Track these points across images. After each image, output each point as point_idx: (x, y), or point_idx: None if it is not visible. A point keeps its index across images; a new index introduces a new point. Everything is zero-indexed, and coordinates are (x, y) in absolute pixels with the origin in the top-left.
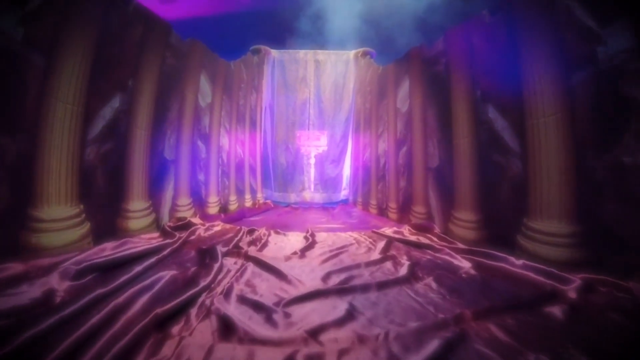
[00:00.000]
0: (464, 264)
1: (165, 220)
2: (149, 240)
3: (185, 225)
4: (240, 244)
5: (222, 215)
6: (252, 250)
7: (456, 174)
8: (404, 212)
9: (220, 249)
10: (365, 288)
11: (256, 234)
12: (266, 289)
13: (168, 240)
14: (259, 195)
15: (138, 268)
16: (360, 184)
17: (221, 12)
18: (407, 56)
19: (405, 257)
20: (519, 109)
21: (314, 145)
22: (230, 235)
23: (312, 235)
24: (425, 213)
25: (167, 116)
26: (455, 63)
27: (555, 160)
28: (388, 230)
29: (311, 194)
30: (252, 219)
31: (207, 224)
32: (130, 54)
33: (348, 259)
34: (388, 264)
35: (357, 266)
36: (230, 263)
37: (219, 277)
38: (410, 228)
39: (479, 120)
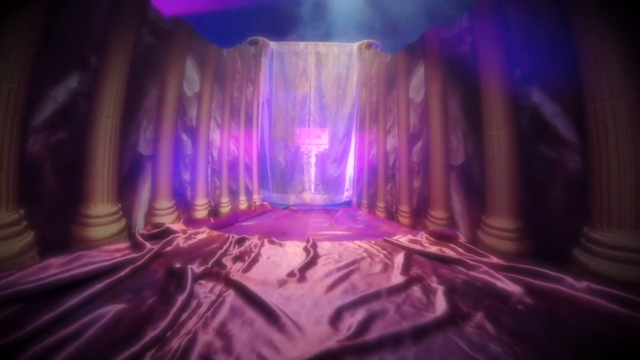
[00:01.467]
0: (512, 288)
1: (140, 226)
2: (113, 253)
3: (162, 233)
4: (224, 259)
5: (212, 220)
6: (237, 271)
7: (489, 172)
8: (418, 217)
9: (194, 270)
10: (396, 340)
11: (246, 244)
12: (246, 344)
13: (133, 255)
14: (256, 197)
15: (74, 300)
16: (365, 184)
17: (217, 6)
18: (422, 39)
19: (434, 279)
20: (576, 90)
21: (314, 143)
22: (215, 245)
23: (314, 245)
24: (446, 219)
25: (143, 104)
26: (486, 40)
27: (629, 152)
28: (403, 239)
29: (312, 195)
30: (245, 223)
31: (190, 231)
32: (95, 26)
33: (362, 282)
34: (416, 291)
35: (377, 295)
36: (205, 291)
37: (182, 317)
38: (427, 236)
39: (518, 106)
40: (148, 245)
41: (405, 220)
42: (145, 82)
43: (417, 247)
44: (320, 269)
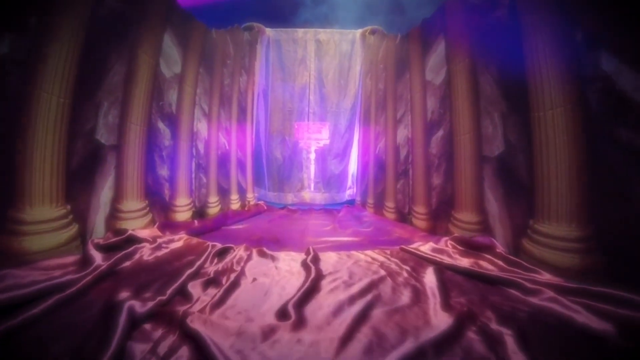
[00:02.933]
0: (600, 325)
1: (100, 233)
2: (51, 271)
3: (124, 243)
4: (191, 285)
5: (196, 223)
6: (203, 308)
7: (539, 164)
8: (438, 220)
9: (135, 310)
10: None
11: (228, 258)
12: None
13: (70, 277)
14: (250, 196)
15: None
16: (371, 182)
17: None
18: (441, 11)
19: (490, 314)
20: None
21: (314, 138)
22: (188, 259)
23: (315, 259)
24: (477, 223)
25: (104, 81)
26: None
27: None
28: (424, 248)
29: (311, 193)
30: (235, 227)
31: (162, 239)
32: None
33: (389, 324)
34: (475, 341)
35: (420, 355)
36: (144, 350)
37: None
38: (453, 243)
39: (582, 78)
40: (97, 260)
41: (421, 223)
42: (108, 55)
43: (445, 259)
44: (325, 301)
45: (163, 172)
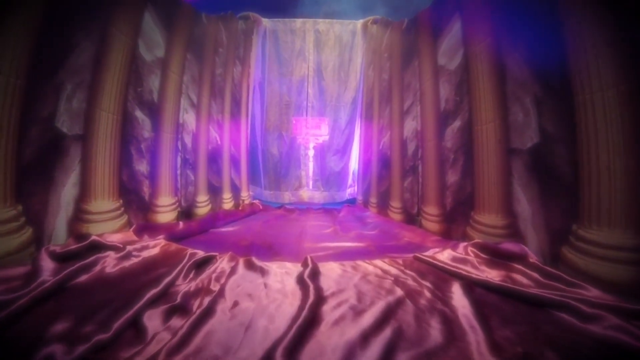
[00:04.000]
0: None
1: (60, 238)
2: None
3: (89, 249)
4: (148, 315)
5: (181, 224)
6: (156, 356)
7: (587, 157)
8: (454, 222)
9: (56, 358)
10: None
11: (207, 271)
12: None
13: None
14: (244, 195)
15: None
16: (374, 180)
17: None
18: None
19: (553, 356)
20: None
21: (312, 134)
22: (160, 272)
23: (314, 272)
24: (504, 227)
25: (67, 59)
26: None
27: None
28: (443, 256)
29: (310, 192)
30: (225, 229)
31: (134, 245)
32: None
33: None
34: None
35: None
36: None
37: None
38: (475, 250)
39: None
40: (44, 273)
41: (433, 225)
42: (74, 30)
43: (472, 272)
44: (328, 340)
45: (141, 167)
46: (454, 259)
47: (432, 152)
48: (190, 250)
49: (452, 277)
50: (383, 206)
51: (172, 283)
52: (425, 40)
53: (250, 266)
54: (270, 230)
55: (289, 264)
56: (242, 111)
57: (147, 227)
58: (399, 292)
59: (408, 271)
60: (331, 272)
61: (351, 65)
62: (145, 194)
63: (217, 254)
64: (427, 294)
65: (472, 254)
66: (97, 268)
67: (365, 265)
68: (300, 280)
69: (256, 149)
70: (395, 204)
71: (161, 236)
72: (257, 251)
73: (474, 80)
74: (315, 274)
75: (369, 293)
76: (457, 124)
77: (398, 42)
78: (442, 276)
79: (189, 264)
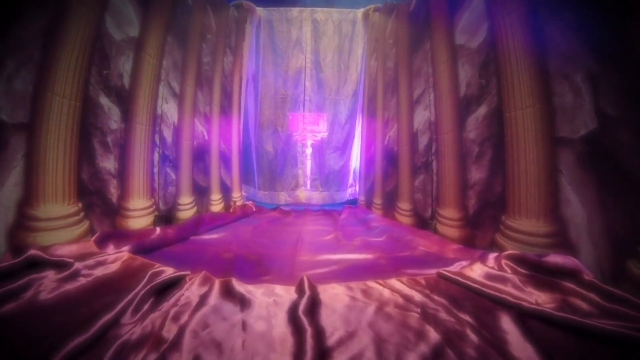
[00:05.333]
0: None
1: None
2: None
3: (24, 267)
4: None
5: (158, 231)
6: None
7: None
8: (479, 227)
9: None
10: None
11: (168, 302)
12: None
13: None
14: (236, 195)
15: None
16: (378, 178)
17: None
18: None
19: None
20: None
21: (310, 130)
22: (108, 300)
23: (312, 303)
24: (548, 234)
25: (8, 31)
26: None
27: None
28: (473, 272)
29: (307, 192)
30: (207, 236)
31: (89, 261)
32: None
33: None
34: None
35: None
36: None
37: None
38: (510, 263)
39: None
40: None
41: (451, 231)
42: None
43: (517, 295)
44: None
45: (107, 164)
46: (490, 277)
47: (449, 145)
48: (154, 269)
49: (495, 304)
50: (389, 208)
51: (113, 322)
52: (439, 17)
53: (227, 293)
54: (261, 237)
55: (279, 288)
56: (233, 105)
57: (113, 236)
58: (434, 335)
59: (436, 297)
60: (335, 301)
61: (351, 56)
62: (112, 196)
63: (188, 272)
64: (472, 335)
65: (508, 269)
66: (29, 294)
67: (380, 289)
68: (294, 318)
69: (249, 146)
70: (404, 205)
71: (126, 248)
72: (240, 268)
73: (504, 58)
74: (314, 306)
75: (392, 339)
76: (482, 111)
77: (405, 25)
78: (481, 303)
79: (146, 290)
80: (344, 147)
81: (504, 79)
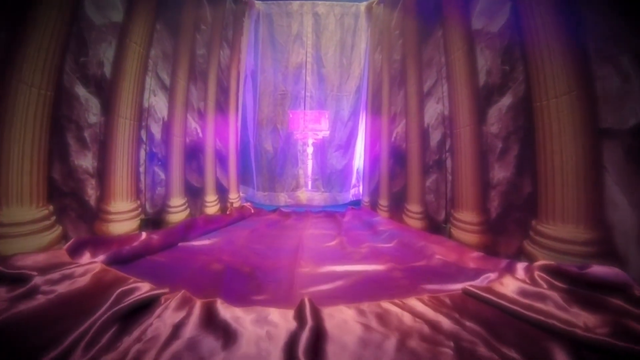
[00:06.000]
0: None
1: None
2: None
3: None
4: None
5: (144, 236)
6: None
7: None
8: (503, 233)
9: None
10: None
11: (132, 335)
12: None
13: None
14: (234, 197)
15: None
16: (384, 178)
17: None
18: None
19: None
20: None
21: (311, 129)
22: (62, 327)
23: (316, 335)
24: (589, 241)
25: None
26: None
27: None
28: (504, 287)
29: (308, 193)
30: (198, 242)
31: (51, 275)
32: None
33: None
34: None
35: None
36: None
37: None
38: (543, 275)
39: None
40: None
41: (469, 236)
42: None
43: (563, 317)
44: None
45: (84, 162)
46: (525, 294)
47: (467, 140)
48: (126, 285)
49: (541, 330)
50: (396, 210)
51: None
52: (452, 1)
53: (208, 320)
54: (257, 243)
55: (274, 313)
56: (230, 101)
57: (90, 243)
58: None
59: (468, 322)
60: (345, 332)
61: (354, 51)
62: (90, 198)
63: (165, 290)
64: None
65: (543, 283)
66: None
67: (398, 313)
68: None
69: (248, 144)
70: (414, 207)
71: (100, 257)
72: (230, 283)
73: (532, 40)
74: (317, 341)
75: None
76: (506, 101)
77: (413, 14)
78: (524, 330)
79: (108, 316)
80: (347, 146)
81: (533, 64)
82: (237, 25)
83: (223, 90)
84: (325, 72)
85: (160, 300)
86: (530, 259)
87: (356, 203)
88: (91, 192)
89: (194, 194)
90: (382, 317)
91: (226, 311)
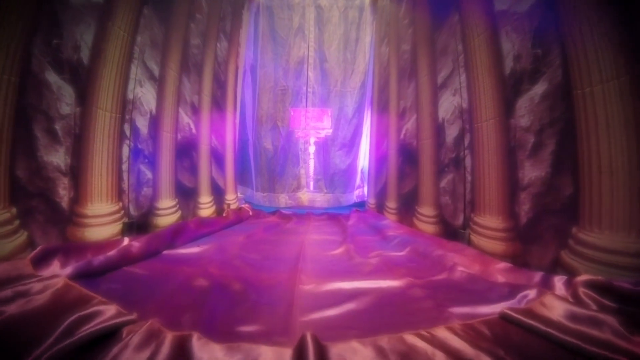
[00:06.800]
0: None
1: None
2: None
3: None
4: None
5: (126, 241)
6: None
7: None
8: (535, 241)
9: None
10: None
11: None
12: None
13: None
14: (231, 198)
15: None
16: (392, 178)
17: None
18: None
19: None
20: None
21: (313, 127)
22: None
23: None
24: None
25: None
26: None
27: None
28: (547, 309)
29: (310, 194)
30: (185, 250)
31: (3, 292)
32: None
33: None
34: None
35: None
36: None
37: None
38: (589, 292)
39: None
40: None
41: (494, 244)
42: None
43: (632, 351)
44: None
45: (55, 158)
46: (575, 318)
47: (490, 136)
48: (87, 309)
49: None
50: (406, 213)
51: None
52: None
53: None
54: (252, 251)
55: (266, 354)
56: (228, 96)
57: (60, 251)
58: None
59: None
60: None
61: (358, 45)
62: (61, 199)
63: (132, 317)
64: None
65: (591, 302)
66: None
67: (428, 350)
68: None
69: (246, 143)
70: (426, 210)
71: (67, 269)
72: (214, 307)
73: (572, 17)
74: None
75: None
76: (539, 89)
77: (424, 1)
78: None
79: (51, 353)
80: (351, 144)
81: (572, 46)
82: (235, 17)
83: (220, 85)
84: (328, 67)
85: (122, 332)
86: (569, 271)
87: (361, 205)
88: (63, 193)
89: (186, 195)
90: (407, 357)
91: (203, 350)
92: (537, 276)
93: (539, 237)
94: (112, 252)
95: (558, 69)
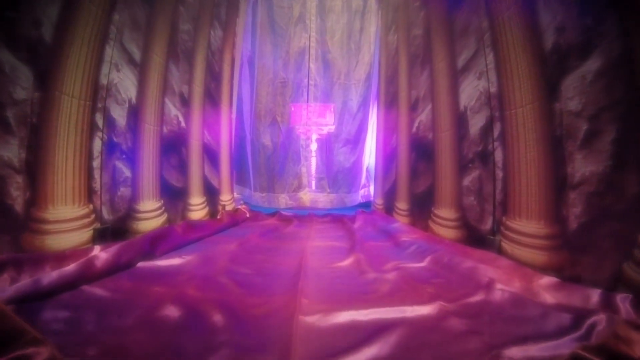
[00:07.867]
0: None
1: None
2: None
3: None
4: None
5: (96, 250)
6: None
7: None
8: (589, 251)
9: None
10: None
11: None
12: None
13: None
14: (226, 199)
15: None
16: (403, 177)
17: None
18: None
19: None
20: None
21: (315, 123)
22: None
23: None
24: None
25: None
26: None
27: None
28: (629, 347)
29: (312, 194)
30: (164, 261)
31: None
32: None
33: None
34: None
35: None
36: None
37: None
38: None
39: None
40: None
41: (532, 253)
42: None
43: None
44: None
45: (5, 151)
46: None
47: (528, 124)
48: (6, 354)
49: None
50: (420, 215)
51: None
52: None
53: None
54: (243, 263)
55: None
56: (223, 89)
57: (10, 264)
58: None
59: None
60: None
61: (363, 35)
62: (14, 201)
63: None
64: None
65: None
66: None
67: None
68: None
69: (244, 139)
70: (445, 212)
71: (9, 290)
72: (180, 355)
73: None
74: None
75: None
76: (591, 65)
77: None
78: None
79: None
80: (356, 141)
81: (634, 11)
82: (231, 5)
83: (214, 76)
84: (331, 58)
85: None
86: (634, 288)
87: (366, 205)
88: (16, 194)
89: (175, 195)
90: None
91: None
92: (595, 295)
93: (594, 246)
94: (69, 267)
95: (615, 41)
